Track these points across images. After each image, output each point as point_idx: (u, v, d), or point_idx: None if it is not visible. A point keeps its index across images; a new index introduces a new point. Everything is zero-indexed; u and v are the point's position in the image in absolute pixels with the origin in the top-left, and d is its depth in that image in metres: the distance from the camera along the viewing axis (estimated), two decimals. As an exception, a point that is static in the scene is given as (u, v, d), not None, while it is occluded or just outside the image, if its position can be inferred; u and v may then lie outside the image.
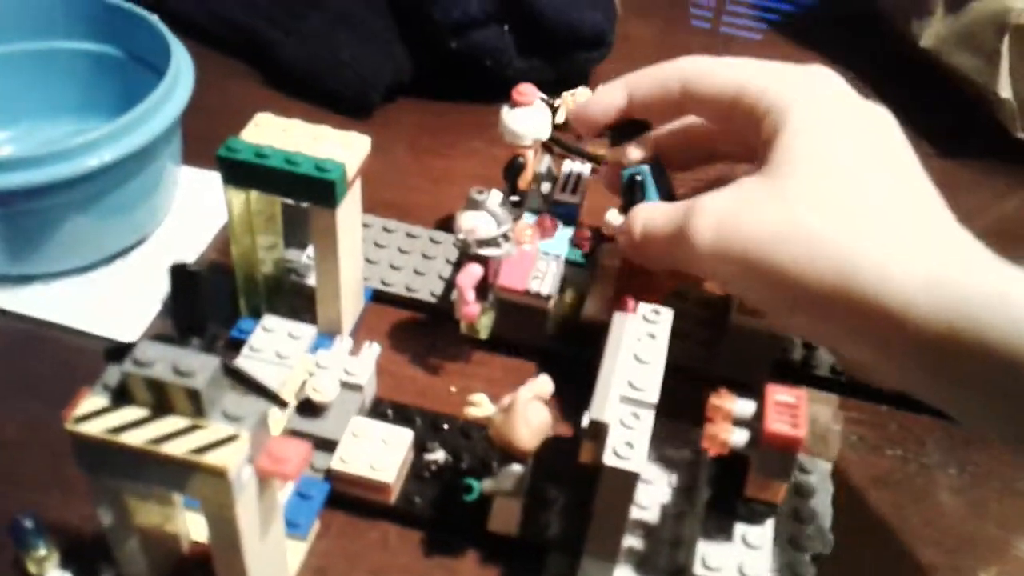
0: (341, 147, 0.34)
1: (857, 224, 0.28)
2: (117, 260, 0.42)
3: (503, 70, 0.53)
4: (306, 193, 0.34)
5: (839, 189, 0.29)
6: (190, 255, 0.43)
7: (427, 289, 0.41)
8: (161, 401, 0.23)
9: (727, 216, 0.30)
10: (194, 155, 0.44)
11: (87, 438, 0.23)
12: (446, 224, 0.45)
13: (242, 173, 0.34)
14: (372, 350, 0.36)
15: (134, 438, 0.23)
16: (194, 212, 0.45)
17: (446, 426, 0.35)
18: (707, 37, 0.65)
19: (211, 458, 0.23)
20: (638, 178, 0.35)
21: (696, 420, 0.29)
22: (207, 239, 0.44)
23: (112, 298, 0.40)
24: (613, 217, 0.40)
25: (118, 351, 0.24)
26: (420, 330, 0.40)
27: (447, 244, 0.43)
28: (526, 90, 0.39)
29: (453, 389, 0.38)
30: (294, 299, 0.39)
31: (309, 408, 0.34)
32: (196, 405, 0.23)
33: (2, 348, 0.38)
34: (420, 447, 0.34)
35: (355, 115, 0.52)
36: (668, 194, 0.35)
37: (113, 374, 0.24)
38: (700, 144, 0.37)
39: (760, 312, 0.35)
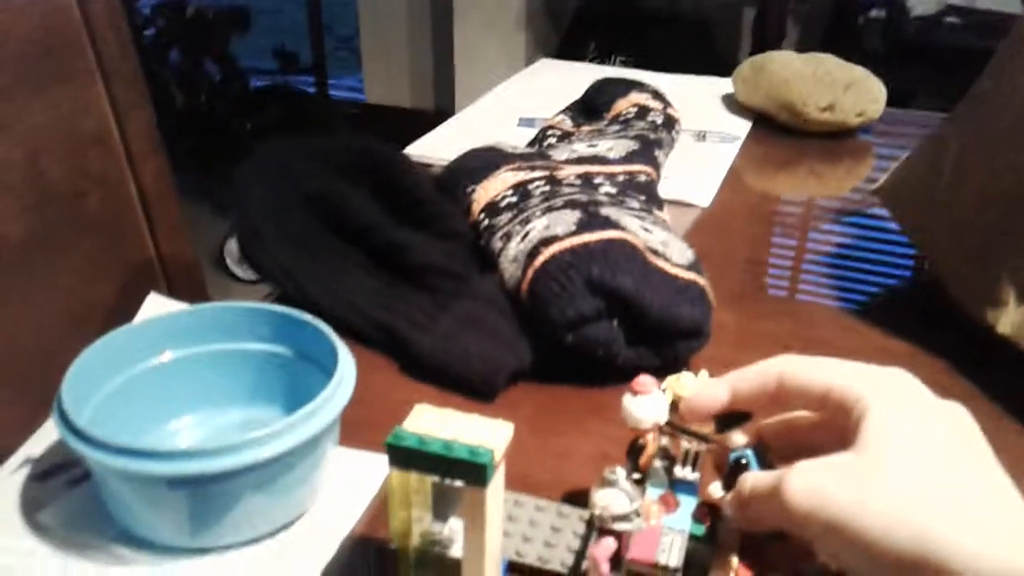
0: (489, 433, 0.40)
1: (927, 503, 0.33)
2: (281, 532, 0.47)
3: (613, 359, 0.59)
4: (460, 475, 0.39)
5: (912, 473, 0.35)
6: (344, 527, 0.48)
7: (558, 560, 0.44)
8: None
9: (817, 483, 0.36)
10: (344, 437, 0.50)
11: None
12: (570, 498, 0.49)
13: (406, 457, 0.39)
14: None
15: None
16: (345, 487, 0.50)
17: None
18: (794, 324, 0.70)
19: None
20: (743, 461, 0.41)
21: None
22: (358, 511, 0.49)
23: (277, 568, 0.45)
24: (715, 489, 0.44)
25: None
26: (553, 601, 0.43)
27: (573, 517, 0.47)
28: (645, 381, 0.44)
29: (588, 660, 0.40)
30: (438, 569, 0.43)
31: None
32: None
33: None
34: None
35: (481, 399, 0.58)
36: None
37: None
38: (798, 437, 0.42)
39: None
